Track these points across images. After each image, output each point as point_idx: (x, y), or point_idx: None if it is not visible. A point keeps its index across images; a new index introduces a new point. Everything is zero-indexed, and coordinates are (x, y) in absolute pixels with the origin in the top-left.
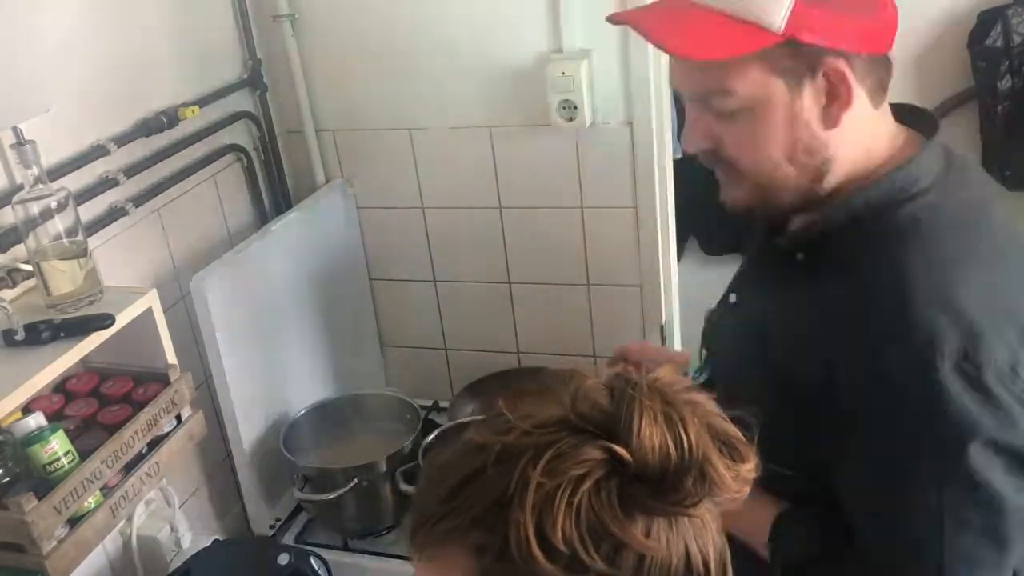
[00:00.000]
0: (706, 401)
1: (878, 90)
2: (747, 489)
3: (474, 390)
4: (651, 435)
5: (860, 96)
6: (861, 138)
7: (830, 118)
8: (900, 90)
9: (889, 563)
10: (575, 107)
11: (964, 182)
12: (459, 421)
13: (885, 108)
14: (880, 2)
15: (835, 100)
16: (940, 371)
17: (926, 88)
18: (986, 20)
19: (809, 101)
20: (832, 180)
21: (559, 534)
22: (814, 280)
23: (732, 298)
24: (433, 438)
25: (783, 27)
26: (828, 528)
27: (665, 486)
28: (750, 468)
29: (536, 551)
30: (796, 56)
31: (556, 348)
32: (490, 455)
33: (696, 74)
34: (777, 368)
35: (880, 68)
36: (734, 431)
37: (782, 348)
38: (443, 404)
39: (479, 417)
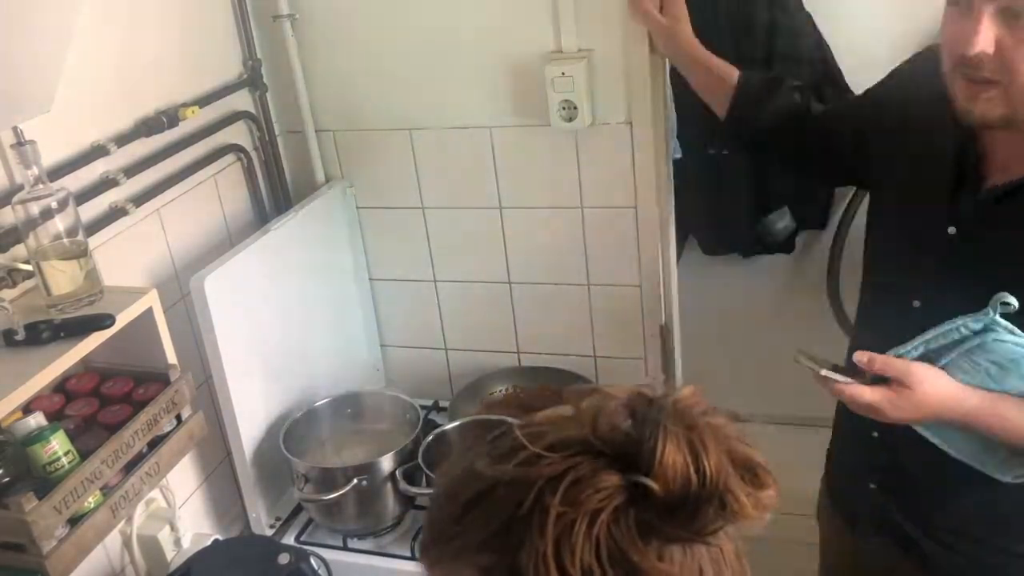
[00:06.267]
0: (727, 425)
1: None
2: (767, 515)
3: (474, 390)
4: (673, 463)
5: None
6: None
7: None
8: None
9: None
10: (575, 107)
11: None
12: (459, 421)
13: None
14: None
15: None
16: None
17: None
18: None
19: None
20: None
21: (577, 562)
22: None
23: (951, 231)
24: (433, 438)
25: None
26: None
27: (684, 514)
28: (771, 494)
29: None
30: None
31: (556, 348)
32: (502, 475)
33: None
34: None
35: None
36: (755, 457)
37: None
38: (443, 404)
39: (479, 417)
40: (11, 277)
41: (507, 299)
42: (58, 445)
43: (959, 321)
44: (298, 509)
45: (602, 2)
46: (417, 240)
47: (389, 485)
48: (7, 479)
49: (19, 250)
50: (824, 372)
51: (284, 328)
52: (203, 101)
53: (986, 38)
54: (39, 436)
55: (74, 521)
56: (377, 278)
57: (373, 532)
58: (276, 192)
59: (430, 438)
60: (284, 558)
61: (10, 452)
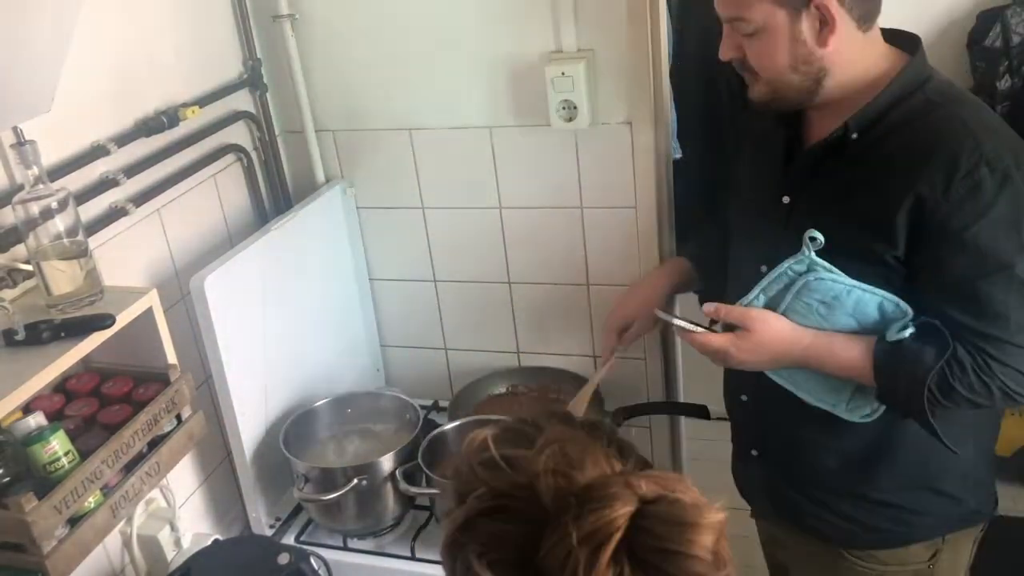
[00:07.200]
0: None
1: (865, 19)
2: None
3: (474, 390)
4: None
5: (847, 23)
6: (852, 55)
7: (821, 39)
8: None
9: (984, 333)
10: (575, 107)
11: (943, 76)
12: (459, 421)
13: (876, 34)
14: None
15: (824, 26)
16: (1014, 178)
17: None
18: (985, 20)
19: (805, 26)
20: (830, 85)
21: None
22: (877, 148)
23: (785, 200)
24: (433, 438)
25: None
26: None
27: None
28: None
29: None
30: None
31: (556, 348)
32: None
33: (729, 3)
34: (866, 225)
35: (867, 2)
36: None
37: (867, 205)
38: (443, 404)
39: (479, 417)
40: (11, 277)
41: (507, 299)
42: (58, 445)
43: (784, 265)
44: (298, 509)
45: (602, 2)
46: (417, 240)
47: (389, 485)
48: (7, 479)
49: (19, 250)
50: (677, 322)
51: (284, 328)
52: (203, 101)
53: (727, 47)
54: (39, 436)
55: (74, 521)
56: (377, 278)
57: (373, 532)
58: (276, 192)
59: (430, 438)
60: (284, 558)
61: (10, 452)
